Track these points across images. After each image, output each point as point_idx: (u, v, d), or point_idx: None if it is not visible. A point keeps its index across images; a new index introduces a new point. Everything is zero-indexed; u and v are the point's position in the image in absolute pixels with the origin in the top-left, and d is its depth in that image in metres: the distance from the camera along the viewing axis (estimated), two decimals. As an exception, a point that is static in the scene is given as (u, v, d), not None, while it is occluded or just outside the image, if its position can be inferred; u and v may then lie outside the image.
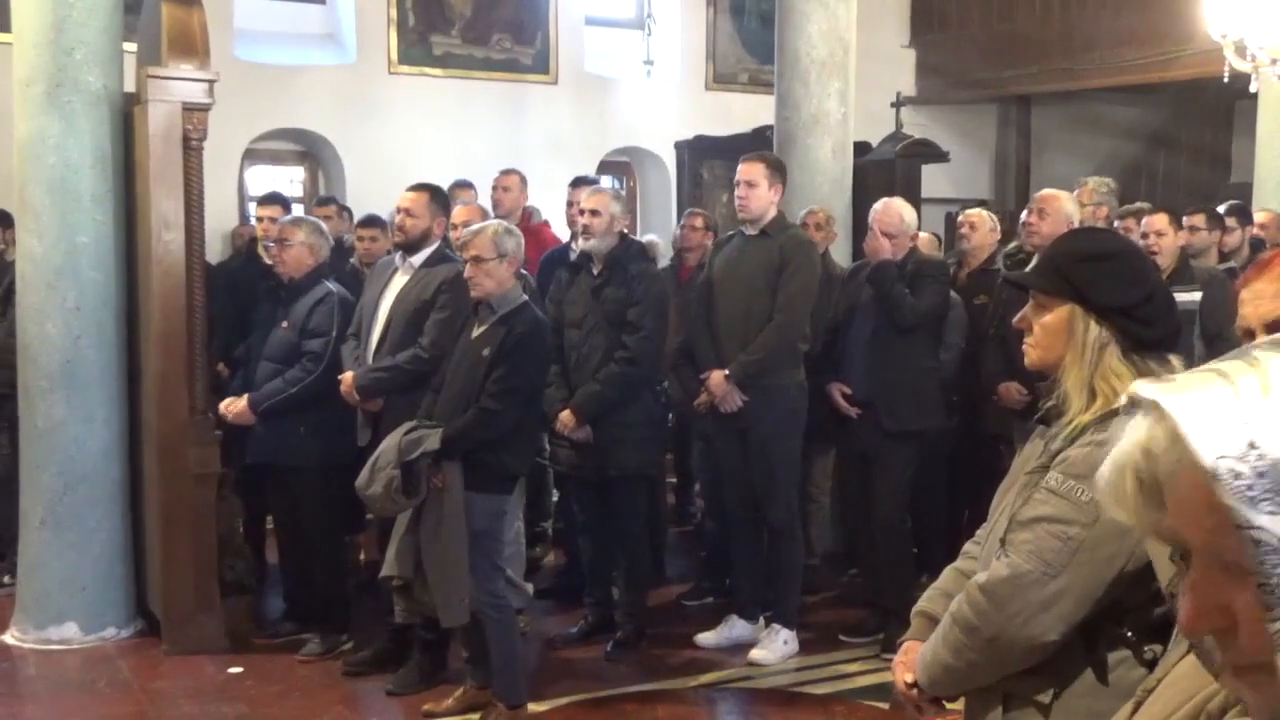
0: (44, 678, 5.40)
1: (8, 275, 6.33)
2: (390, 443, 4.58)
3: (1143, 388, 0.84)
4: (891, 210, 5.62)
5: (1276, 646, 0.79)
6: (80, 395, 5.63)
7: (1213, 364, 0.85)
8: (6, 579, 6.32)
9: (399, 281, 5.40)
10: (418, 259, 5.37)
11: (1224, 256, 6.58)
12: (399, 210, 5.41)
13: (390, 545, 4.68)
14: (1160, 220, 5.95)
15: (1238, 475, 0.77)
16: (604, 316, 5.49)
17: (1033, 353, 2.28)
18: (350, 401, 5.31)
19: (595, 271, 5.56)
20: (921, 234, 6.53)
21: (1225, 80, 6.86)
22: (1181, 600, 0.83)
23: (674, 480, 7.92)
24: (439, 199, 5.50)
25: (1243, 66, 6.45)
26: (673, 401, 6.46)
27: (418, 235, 5.36)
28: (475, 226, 4.93)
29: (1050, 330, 2.23)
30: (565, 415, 5.44)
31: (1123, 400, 0.88)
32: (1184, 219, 6.26)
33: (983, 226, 6.52)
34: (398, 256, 5.48)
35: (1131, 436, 0.84)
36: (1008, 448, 6.15)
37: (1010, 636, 2.12)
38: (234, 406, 5.54)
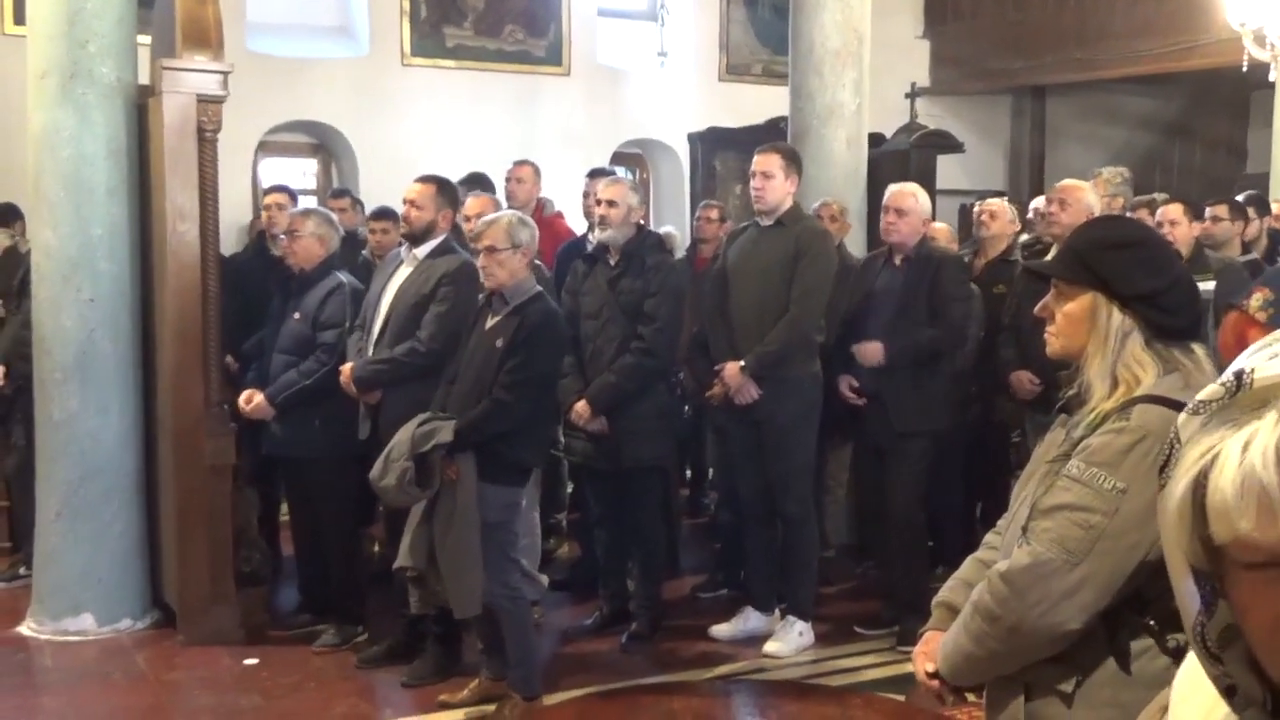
0: (60, 669, 5.42)
1: (22, 268, 6.34)
2: (404, 435, 4.56)
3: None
4: (905, 191, 5.60)
5: None
6: (95, 387, 5.64)
7: None
8: (23, 570, 6.34)
9: (402, 273, 5.36)
10: (422, 251, 5.33)
11: (1246, 247, 6.55)
12: (405, 202, 5.37)
13: (404, 536, 4.67)
14: (1175, 210, 5.94)
15: None
16: (620, 308, 5.47)
17: (1055, 341, 2.26)
18: (349, 393, 5.28)
19: (612, 263, 5.55)
20: (939, 225, 6.52)
21: (1243, 70, 6.82)
22: None
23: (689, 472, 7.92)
24: (446, 191, 5.45)
25: (1262, 55, 6.42)
26: (688, 393, 6.44)
27: (422, 227, 5.30)
28: (489, 217, 4.91)
29: (1073, 318, 2.21)
30: (580, 406, 5.42)
31: (1214, 388, 0.82)
32: (1206, 209, 6.25)
33: (1002, 216, 6.51)
34: (403, 249, 5.46)
35: (1265, 425, 0.77)
36: (1022, 439, 6.15)
37: (1032, 625, 2.11)
38: (252, 401, 5.54)
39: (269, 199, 7.09)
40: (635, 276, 5.47)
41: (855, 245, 7.14)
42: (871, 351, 5.51)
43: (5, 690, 5.14)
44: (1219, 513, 0.79)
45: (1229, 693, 0.86)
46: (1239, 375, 0.80)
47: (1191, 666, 1.00)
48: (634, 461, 5.53)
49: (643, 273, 5.47)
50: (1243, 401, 0.79)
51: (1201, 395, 0.83)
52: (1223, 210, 6.42)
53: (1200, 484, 0.81)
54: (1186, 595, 0.86)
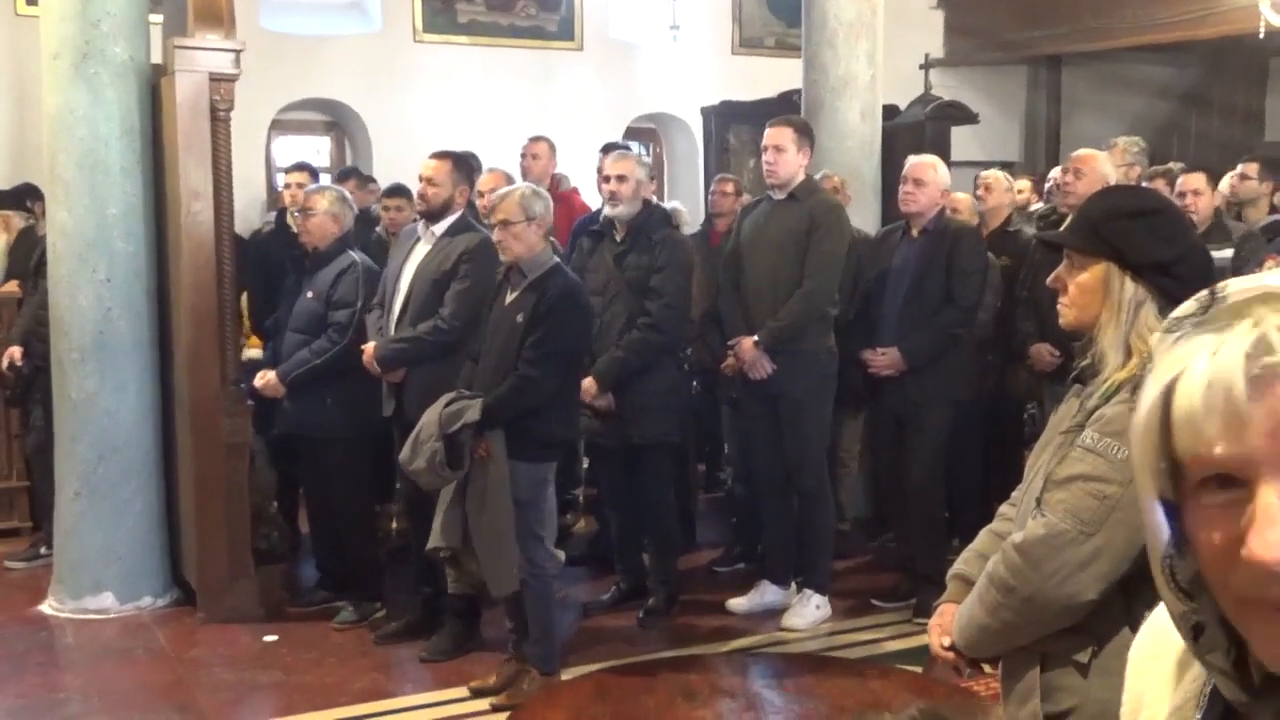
0: (81, 647, 5.46)
1: (39, 248, 6.36)
2: (431, 416, 4.53)
3: (1256, 279, 0.79)
4: (925, 162, 5.58)
5: None
6: (112, 366, 5.66)
7: None
8: (43, 550, 6.38)
9: (421, 251, 5.36)
10: (439, 228, 5.32)
11: (1275, 208, 6.50)
12: (421, 179, 5.37)
13: (436, 516, 4.65)
14: (1197, 179, 5.91)
15: None
16: (626, 284, 5.46)
17: (1068, 312, 2.25)
18: (372, 372, 5.29)
19: (618, 238, 5.54)
20: (961, 195, 6.49)
21: (1260, 37, 6.76)
22: (1264, 528, 0.75)
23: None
24: (461, 167, 5.44)
25: (1279, 22, 6.37)
26: (696, 368, 6.44)
27: (439, 204, 5.30)
28: (502, 190, 4.90)
29: (1086, 289, 2.20)
30: (587, 383, 5.41)
31: (1189, 304, 0.82)
32: (1239, 166, 6.22)
33: (998, 188, 6.55)
34: (420, 225, 5.45)
35: (1233, 336, 0.78)
36: (1039, 410, 6.14)
37: (1047, 596, 2.11)
38: (264, 379, 5.56)
39: (290, 177, 7.10)
40: (641, 252, 5.46)
41: (870, 217, 7.11)
42: (890, 362, 5.50)
43: (28, 668, 5.18)
44: (1185, 420, 0.79)
45: (1195, 632, 0.86)
46: (1213, 291, 0.81)
47: (1149, 635, 0.99)
48: (642, 438, 5.53)
49: (649, 248, 5.46)
50: (1216, 316, 0.80)
51: (1176, 312, 0.83)
52: (1252, 169, 6.36)
53: (1169, 394, 0.81)
54: (1155, 527, 0.86)
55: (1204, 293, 0.81)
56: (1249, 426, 0.76)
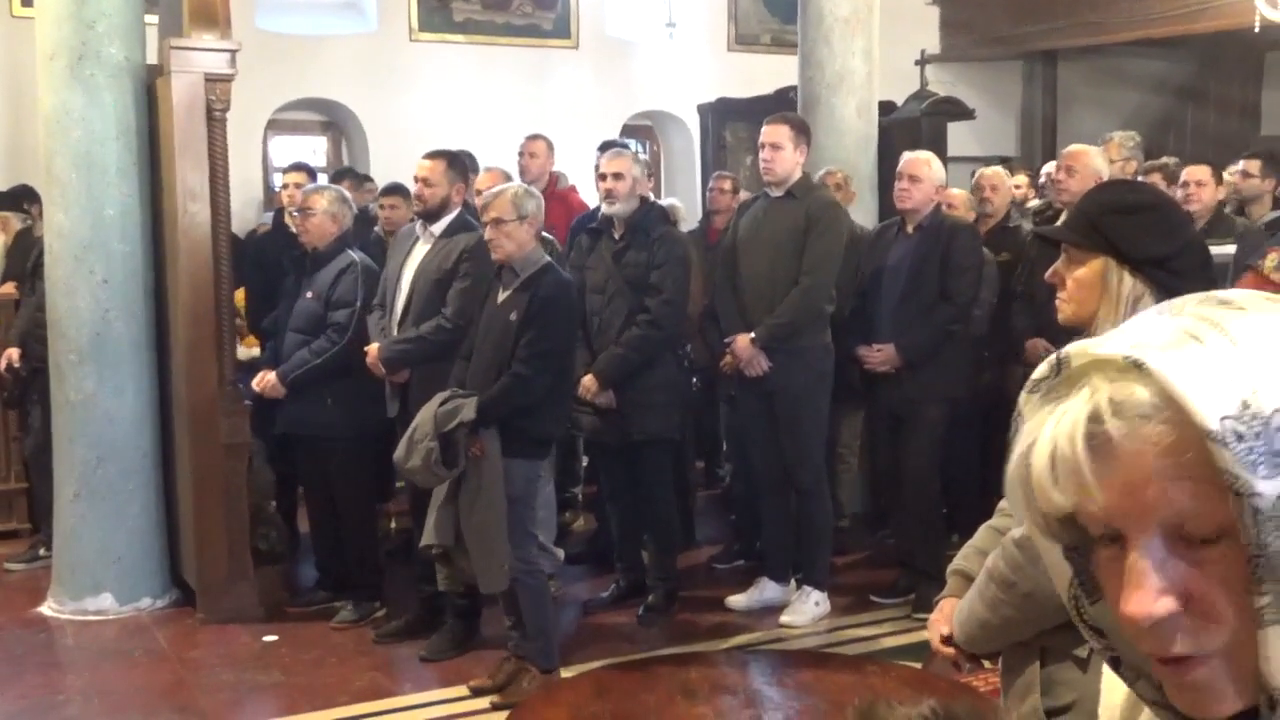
0: (81, 648, 5.46)
1: (36, 250, 6.36)
2: (426, 415, 4.55)
3: (1091, 346, 0.79)
4: (919, 159, 5.59)
5: (1264, 622, 0.73)
6: (110, 368, 5.66)
7: (1151, 323, 0.80)
8: (43, 552, 6.38)
9: (420, 251, 5.37)
10: (438, 227, 5.33)
11: (1277, 203, 6.50)
12: (416, 179, 5.38)
13: (429, 514, 4.67)
14: (1201, 171, 5.92)
15: (1240, 438, 0.71)
16: (625, 281, 5.47)
17: (1066, 308, 2.25)
18: (376, 374, 5.30)
19: (616, 236, 5.55)
20: (957, 191, 6.50)
21: (1256, 31, 6.76)
22: (1131, 588, 0.76)
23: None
24: (456, 165, 5.44)
25: (1275, 16, 6.37)
26: (696, 365, 6.44)
27: (436, 203, 5.31)
28: (495, 189, 4.91)
29: (1084, 284, 2.20)
30: (588, 380, 5.42)
31: (1043, 367, 0.83)
32: (1239, 163, 6.22)
33: (1003, 187, 6.56)
34: (418, 225, 5.45)
35: (1075, 404, 0.78)
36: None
37: (1046, 591, 2.10)
38: (264, 380, 5.56)
39: (288, 178, 7.10)
40: (640, 249, 5.46)
41: (867, 214, 7.12)
42: (885, 358, 5.51)
43: (28, 669, 5.19)
44: (1038, 487, 0.81)
45: (1114, 664, 0.87)
46: (1059, 357, 0.82)
47: None
48: (642, 435, 5.53)
49: (647, 245, 5.46)
50: (1062, 383, 0.81)
51: (1035, 374, 0.84)
52: (1255, 166, 6.36)
53: (1026, 459, 0.82)
54: (1054, 565, 0.87)
55: (1053, 357, 0.83)
56: (1094, 492, 0.77)
